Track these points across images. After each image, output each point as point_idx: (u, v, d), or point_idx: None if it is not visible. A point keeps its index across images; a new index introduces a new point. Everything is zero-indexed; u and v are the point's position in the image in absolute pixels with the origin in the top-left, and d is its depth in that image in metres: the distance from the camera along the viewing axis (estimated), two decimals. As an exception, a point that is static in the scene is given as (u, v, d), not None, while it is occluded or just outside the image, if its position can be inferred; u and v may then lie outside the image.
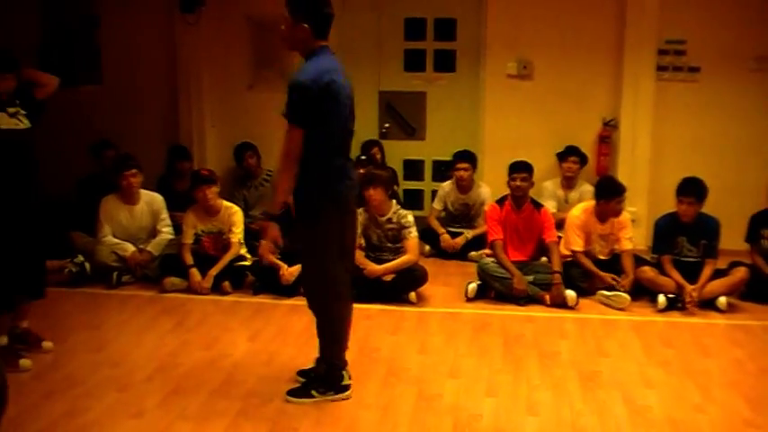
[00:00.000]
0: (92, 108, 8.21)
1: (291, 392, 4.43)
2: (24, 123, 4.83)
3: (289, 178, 4.11)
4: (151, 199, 6.86)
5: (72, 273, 6.60)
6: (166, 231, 6.83)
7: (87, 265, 6.68)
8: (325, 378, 4.44)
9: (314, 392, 4.40)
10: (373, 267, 6.19)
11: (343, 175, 4.27)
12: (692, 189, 6.23)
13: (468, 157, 7.58)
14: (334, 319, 4.39)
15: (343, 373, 4.49)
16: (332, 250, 4.26)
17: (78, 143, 7.74)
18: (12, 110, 4.78)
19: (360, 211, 6.34)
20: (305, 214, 4.24)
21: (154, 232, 6.82)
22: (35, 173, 4.97)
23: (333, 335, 4.42)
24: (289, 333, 5.46)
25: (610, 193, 6.40)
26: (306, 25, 4.12)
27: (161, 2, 8.06)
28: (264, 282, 6.35)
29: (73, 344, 5.25)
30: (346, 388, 4.46)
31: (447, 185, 7.71)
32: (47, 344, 5.12)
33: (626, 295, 6.08)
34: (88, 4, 8.33)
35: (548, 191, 7.45)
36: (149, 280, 6.64)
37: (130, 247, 6.67)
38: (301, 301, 6.04)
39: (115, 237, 6.70)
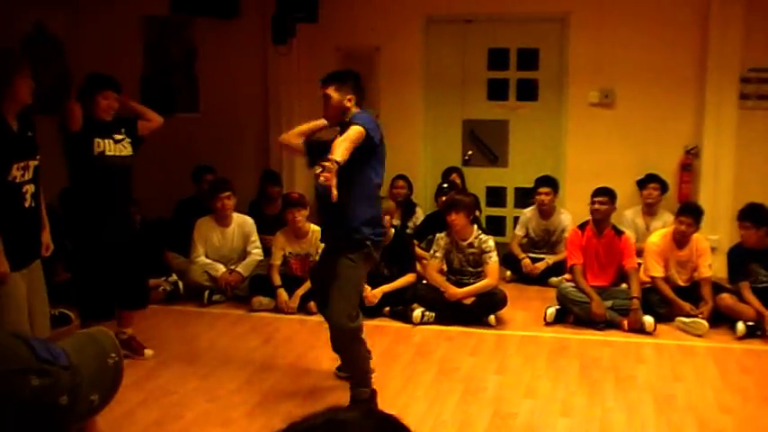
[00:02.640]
0: (189, 134, 8.61)
1: None
2: (127, 150, 5.21)
3: (346, 147, 4.11)
4: (243, 221, 7.16)
5: (166, 291, 6.94)
6: (256, 253, 7.11)
7: (181, 284, 7.02)
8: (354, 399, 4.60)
9: None
10: (454, 290, 6.34)
11: (374, 216, 4.53)
12: (748, 214, 6.30)
13: (549, 182, 7.67)
14: (355, 353, 4.64)
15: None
16: (359, 283, 4.60)
17: (175, 167, 8.14)
18: (118, 137, 5.16)
19: (442, 235, 6.54)
20: (346, 252, 4.49)
21: (244, 254, 7.11)
22: (132, 196, 5.36)
23: (353, 364, 4.67)
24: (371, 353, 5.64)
25: (680, 210, 6.52)
26: (351, 97, 4.46)
27: (255, 34, 8.41)
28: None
29: (167, 357, 5.56)
30: None
31: (529, 211, 7.81)
32: (148, 351, 5.51)
33: (704, 322, 6.08)
34: (187, 37, 8.78)
35: (627, 220, 7.45)
36: (239, 299, 6.90)
37: (222, 268, 6.97)
38: (384, 323, 6.33)
39: (207, 257, 7.02)
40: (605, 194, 6.55)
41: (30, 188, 4.21)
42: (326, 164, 3.88)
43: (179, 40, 8.83)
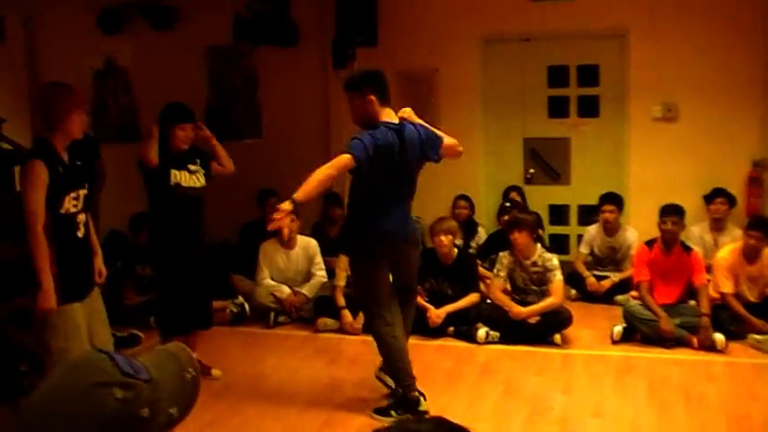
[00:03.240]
0: (253, 160, 8.74)
1: (377, 410, 4.85)
2: (200, 182, 5.36)
3: (314, 183, 4.45)
4: (307, 244, 7.24)
5: (233, 313, 7.05)
6: (320, 275, 7.18)
7: (247, 306, 7.13)
8: (401, 401, 4.81)
9: (392, 413, 4.77)
10: (519, 310, 6.31)
11: (375, 226, 4.70)
12: None
13: (613, 200, 7.59)
14: (382, 344, 4.84)
15: (420, 398, 4.80)
16: (371, 283, 4.81)
17: (240, 192, 8.26)
18: (193, 167, 5.31)
19: (505, 254, 6.53)
20: (352, 251, 4.92)
21: (308, 275, 7.19)
22: (203, 222, 5.52)
23: (385, 357, 4.87)
24: (435, 372, 5.64)
25: (749, 225, 6.38)
26: (372, 97, 4.64)
27: (315, 60, 8.53)
28: (413, 323, 6.56)
29: (234, 378, 5.64)
30: (424, 413, 4.75)
31: (593, 229, 7.74)
32: (215, 371, 5.61)
33: (778, 339, 5.95)
34: (249, 65, 8.94)
35: (695, 236, 7.31)
36: (304, 321, 6.99)
37: (287, 290, 7.06)
38: (448, 342, 6.33)
39: (273, 279, 7.12)
40: (676, 214, 6.39)
41: (82, 218, 4.29)
42: (282, 205, 4.25)
43: (241, 68, 9.00)
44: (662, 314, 6.14)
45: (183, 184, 5.27)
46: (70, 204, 4.18)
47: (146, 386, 1.07)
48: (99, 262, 4.57)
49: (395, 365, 4.85)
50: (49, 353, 3.23)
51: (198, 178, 5.35)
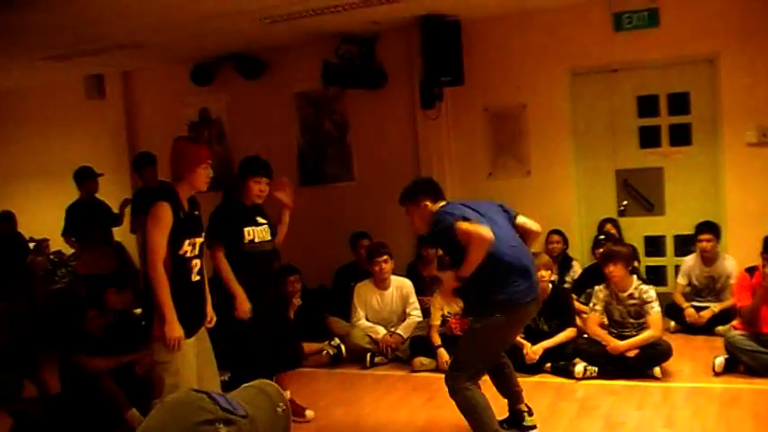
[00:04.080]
0: (346, 203, 8.89)
1: None
2: (268, 235, 5.47)
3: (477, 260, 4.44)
4: (401, 284, 7.31)
5: (330, 355, 7.14)
6: (415, 314, 7.23)
7: (343, 348, 7.20)
8: None
9: None
10: (616, 344, 6.22)
11: (504, 285, 4.54)
12: None
13: (710, 228, 7.43)
14: (466, 402, 4.70)
15: None
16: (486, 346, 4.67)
17: (333, 236, 8.40)
18: (261, 220, 5.44)
19: (601, 287, 6.46)
20: (477, 310, 4.71)
21: (404, 315, 7.24)
22: (273, 271, 5.70)
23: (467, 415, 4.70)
24: (533, 409, 5.54)
25: None
26: (426, 203, 4.73)
27: (403, 101, 8.66)
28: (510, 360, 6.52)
29: (333, 418, 5.72)
30: None
31: (690, 259, 7.60)
32: (309, 413, 5.66)
33: None
34: (338, 109, 9.13)
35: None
36: (400, 360, 7.02)
37: (382, 330, 7.12)
38: (546, 379, 6.27)
39: (368, 320, 7.20)
40: None
41: (197, 263, 4.55)
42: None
43: (331, 113, 9.20)
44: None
45: (257, 239, 5.36)
46: (188, 248, 4.43)
47: (245, 422, 1.14)
48: (209, 309, 4.77)
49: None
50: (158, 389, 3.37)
51: (265, 230, 5.43)
